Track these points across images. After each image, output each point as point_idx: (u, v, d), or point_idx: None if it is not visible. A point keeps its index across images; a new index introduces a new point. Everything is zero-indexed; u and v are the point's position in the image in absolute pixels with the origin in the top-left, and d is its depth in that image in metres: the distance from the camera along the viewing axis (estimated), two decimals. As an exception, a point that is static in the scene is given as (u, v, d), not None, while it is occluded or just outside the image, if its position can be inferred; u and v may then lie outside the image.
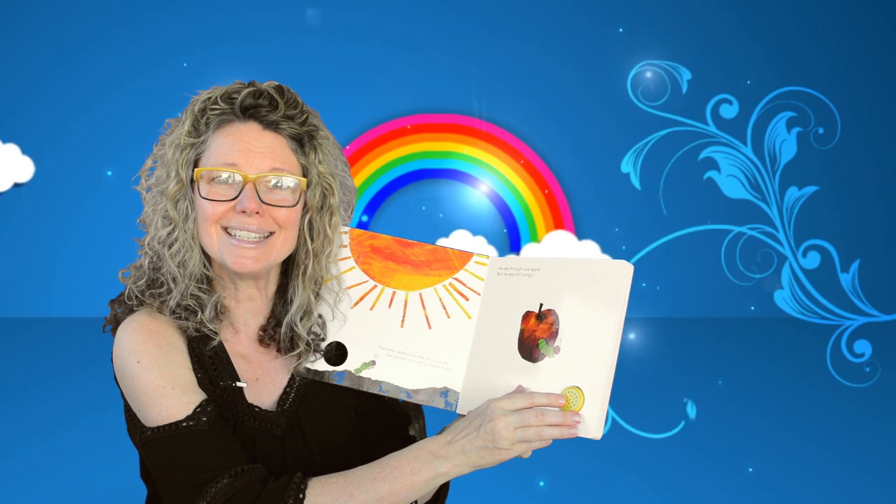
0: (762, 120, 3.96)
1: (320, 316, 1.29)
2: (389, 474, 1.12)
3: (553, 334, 1.17)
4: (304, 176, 1.25)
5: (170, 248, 1.22)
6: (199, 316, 1.23)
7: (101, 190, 6.39)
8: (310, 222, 1.26)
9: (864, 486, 3.34)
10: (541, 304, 1.20)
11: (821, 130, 4.41)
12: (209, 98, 1.22)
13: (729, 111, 3.98)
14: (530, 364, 1.18)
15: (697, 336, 5.95)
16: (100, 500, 3.05)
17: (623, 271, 1.14)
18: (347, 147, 6.55)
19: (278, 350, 1.29)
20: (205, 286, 1.25)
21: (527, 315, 1.21)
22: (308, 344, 1.27)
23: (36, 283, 6.40)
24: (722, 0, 6.73)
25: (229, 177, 1.20)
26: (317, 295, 1.28)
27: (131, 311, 1.26)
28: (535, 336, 1.19)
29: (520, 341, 1.20)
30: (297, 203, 1.23)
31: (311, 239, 1.26)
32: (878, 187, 7.03)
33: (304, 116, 1.24)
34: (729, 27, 6.72)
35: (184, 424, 1.15)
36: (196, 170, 1.20)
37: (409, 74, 6.57)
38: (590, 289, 1.16)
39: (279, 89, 1.23)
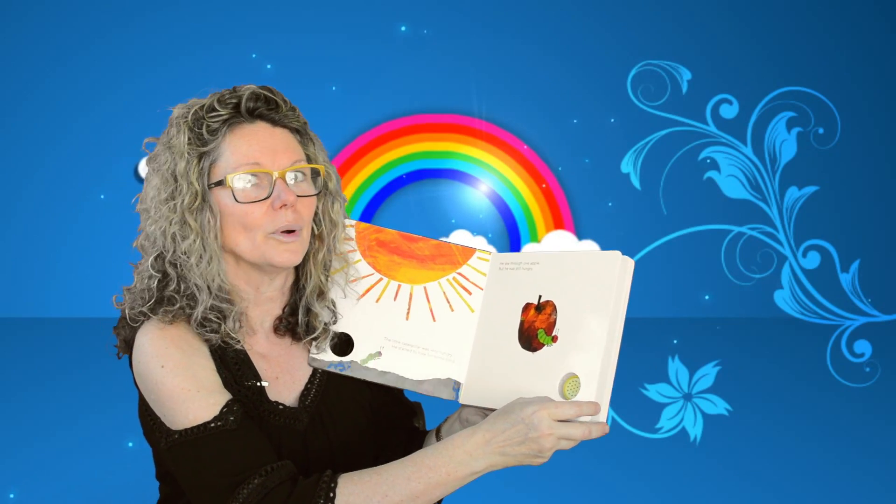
0: (762, 120, 3.96)
1: (332, 301, 1.32)
2: (425, 474, 1.12)
3: (551, 324, 1.19)
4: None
5: (197, 259, 1.21)
6: (222, 328, 1.23)
7: (102, 190, 6.40)
8: (316, 209, 1.29)
9: (864, 486, 3.34)
10: (539, 296, 1.22)
11: (821, 130, 4.40)
12: (201, 107, 1.22)
13: (729, 111, 3.98)
14: (530, 354, 1.20)
15: (698, 336, 5.95)
16: (100, 500, 3.05)
17: (613, 260, 1.16)
18: (347, 147, 6.56)
19: (293, 338, 1.31)
20: (227, 296, 1.25)
21: (526, 307, 1.23)
22: (325, 328, 1.30)
23: (36, 283, 6.40)
24: (722, 0, 6.73)
25: (258, 176, 1.21)
26: (327, 277, 1.31)
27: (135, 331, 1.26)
28: (534, 327, 1.21)
29: (520, 332, 1.23)
30: (318, 191, 1.27)
31: (321, 224, 1.30)
32: (878, 187, 7.03)
33: (296, 110, 1.28)
34: (729, 27, 6.72)
35: (212, 425, 1.14)
36: (228, 175, 1.20)
37: (409, 74, 6.58)
38: (584, 279, 1.19)
39: (270, 89, 1.26)
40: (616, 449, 3.54)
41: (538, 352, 1.19)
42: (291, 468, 1.15)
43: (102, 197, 6.38)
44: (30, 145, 6.36)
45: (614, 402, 1.19)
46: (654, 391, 3.79)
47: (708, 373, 3.74)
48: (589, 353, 1.15)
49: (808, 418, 4.18)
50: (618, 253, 1.16)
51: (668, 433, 3.65)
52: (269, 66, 6.35)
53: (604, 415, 1.13)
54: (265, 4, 6.39)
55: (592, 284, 1.17)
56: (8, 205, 6.39)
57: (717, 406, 3.83)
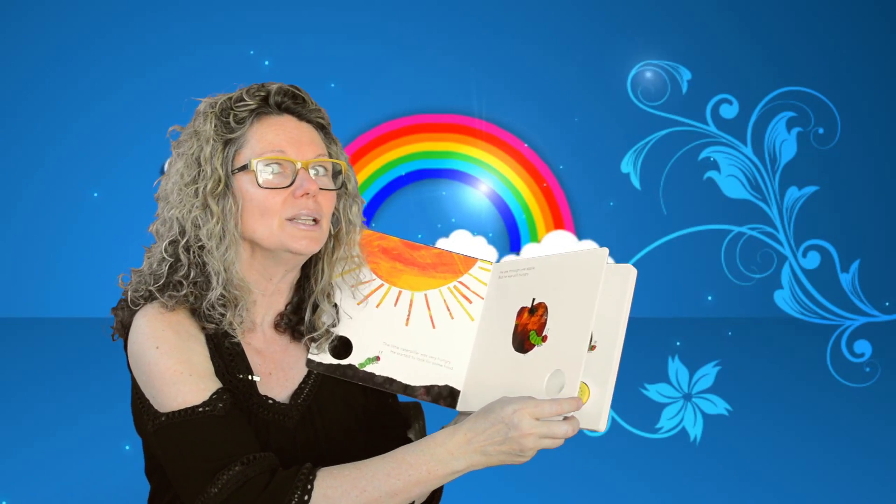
0: (762, 120, 3.97)
1: (336, 304, 1.33)
2: (405, 471, 1.12)
3: (542, 325, 1.19)
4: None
5: (217, 243, 1.22)
6: (226, 317, 1.23)
7: (102, 190, 6.40)
8: (336, 208, 1.31)
9: (864, 486, 3.34)
10: (533, 299, 1.23)
11: (821, 130, 4.40)
12: (228, 98, 1.25)
13: (729, 111, 3.98)
14: (521, 356, 1.20)
15: (698, 336, 5.95)
16: (100, 500, 3.05)
17: (600, 257, 1.16)
18: (348, 147, 6.55)
19: (293, 336, 1.32)
20: (239, 285, 1.25)
21: (521, 311, 1.24)
22: (327, 329, 1.30)
23: (36, 283, 6.41)
24: (722, 0, 6.73)
25: (282, 164, 1.23)
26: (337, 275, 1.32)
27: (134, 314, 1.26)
28: (526, 329, 1.21)
29: (514, 336, 1.23)
30: (339, 187, 1.29)
31: (339, 223, 1.32)
32: (878, 187, 7.03)
33: (322, 110, 1.31)
34: (729, 27, 6.72)
35: (199, 409, 1.15)
36: (252, 160, 1.22)
37: (409, 74, 6.58)
38: (572, 278, 1.18)
39: (297, 87, 1.29)
40: (616, 449, 3.54)
41: (529, 353, 1.19)
42: (273, 460, 1.15)
43: (96, 195, 6.38)
44: (30, 145, 6.36)
45: (614, 402, 1.17)
46: (654, 391, 3.80)
47: (708, 373, 3.75)
48: (572, 349, 1.13)
49: (808, 418, 4.18)
50: (605, 250, 1.16)
51: (668, 433, 3.66)
52: (267, 63, 6.35)
53: (604, 420, 1.13)
54: (266, 4, 6.39)
55: (580, 282, 1.17)
56: (8, 205, 6.39)
57: (717, 406, 3.84)
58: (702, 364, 3.79)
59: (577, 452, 3.50)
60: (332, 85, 6.44)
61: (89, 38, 6.29)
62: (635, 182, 4.04)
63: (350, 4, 6.46)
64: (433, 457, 1.12)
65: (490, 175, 6.71)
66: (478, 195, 6.74)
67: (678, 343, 5.38)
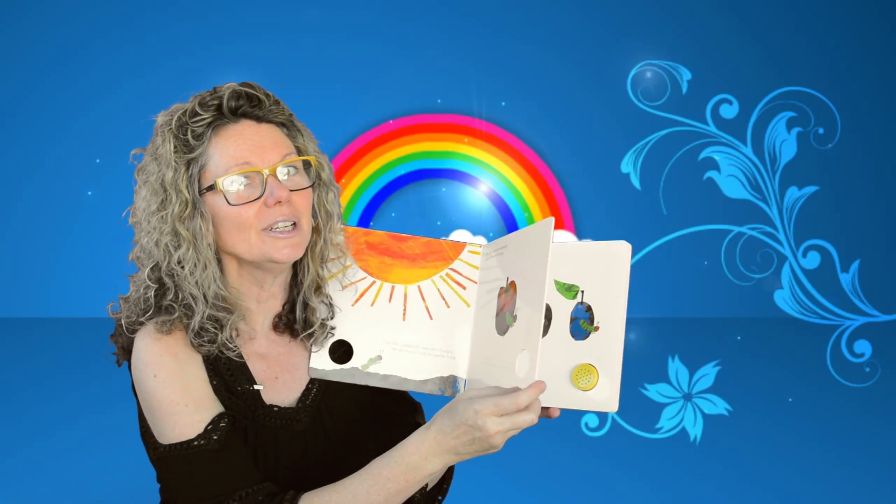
0: (762, 120, 3.96)
1: (328, 296, 1.31)
2: (384, 485, 1.12)
3: (514, 305, 1.18)
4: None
5: (192, 267, 1.20)
6: (219, 338, 1.22)
7: (102, 189, 6.40)
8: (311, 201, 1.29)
9: (864, 486, 3.34)
10: (507, 278, 1.21)
11: (821, 130, 4.40)
12: (183, 112, 1.21)
13: (729, 111, 3.98)
14: (501, 338, 1.19)
15: (698, 336, 5.94)
16: (99, 500, 3.05)
17: (545, 226, 1.14)
18: (348, 147, 6.55)
19: (292, 335, 1.31)
20: (224, 304, 1.24)
21: (500, 291, 1.22)
22: (322, 324, 1.29)
23: (36, 283, 6.40)
24: (722, 0, 6.73)
25: (249, 176, 1.20)
26: (324, 268, 1.31)
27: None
28: (503, 310, 1.20)
29: (496, 318, 1.22)
30: (312, 183, 1.25)
31: (317, 216, 1.29)
32: (878, 187, 7.02)
33: (280, 103, 1.26)
34: (729, 27, 6.72)
35: (194, 443, 1.15)
36: (218, 180, 1.19)
37: (409, 74, 6.57)
38: (527, 252, 1.17)
39: (251, 85, 1.24)
40: (616, 449, 3.54)
41: (506, 334, 1.18)
42: (269, 489, 1.16)
43: (90, 194, 6.38)
44: (30, 145, 6.35)
45: (614, 403, 1.16)
46: (654, 391, 3.79)
47: (708, 373, 3.75)
48: (532, 327, 1.11)
49: (808, 418, 4.18)
50: (551, 219, 1.14)
51: (668, 433, 3.65)
52: (268, 65, 6.35)
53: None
54: (265, 4, 6.38)
55: (533, 255, 1.15)
56: (8, 205, 6.39)
57: (717, 406, 3.83)
58: (702, 364, 3.79)
59: (577, 452, 3.50)
60: (335, 87, 6.43)
61: (89, 38, 6.28)
62: (635, 182, 4.03)
63: (350, 4, 6.46)
64: (408, 466, 1.12)
65: (490, 175, 6.71)
66: (478, 195, 6.73)
67: (679, 343, 5.37)
